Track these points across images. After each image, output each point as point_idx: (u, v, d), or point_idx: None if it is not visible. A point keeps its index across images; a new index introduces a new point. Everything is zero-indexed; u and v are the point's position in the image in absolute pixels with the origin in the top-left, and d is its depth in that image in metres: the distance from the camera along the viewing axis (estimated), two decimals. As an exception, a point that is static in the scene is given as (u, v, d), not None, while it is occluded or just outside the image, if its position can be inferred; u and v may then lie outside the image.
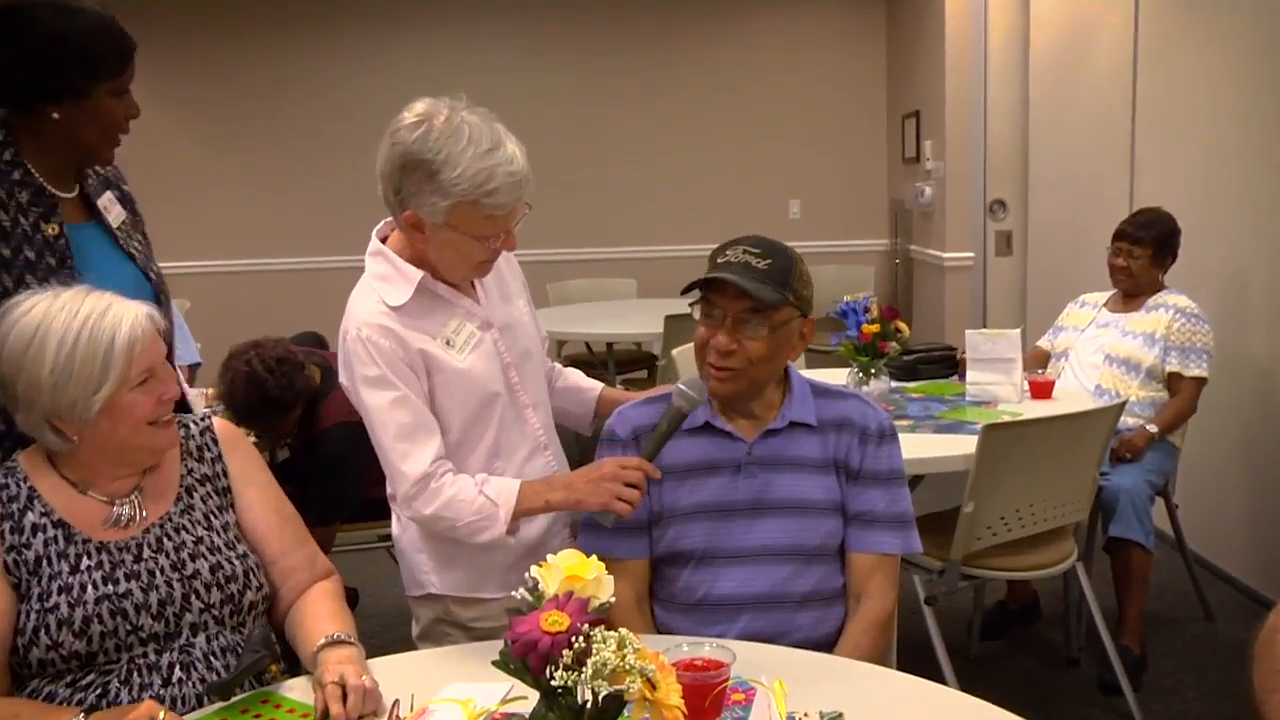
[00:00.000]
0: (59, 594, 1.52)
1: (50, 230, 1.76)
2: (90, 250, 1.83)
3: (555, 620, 1.11)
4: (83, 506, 1.59)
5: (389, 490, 1.95)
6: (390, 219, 1.83)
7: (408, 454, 1.75)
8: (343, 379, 1.83)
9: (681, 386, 1.75)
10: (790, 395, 1.86)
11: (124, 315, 1.54)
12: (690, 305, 1.81)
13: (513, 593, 1.24)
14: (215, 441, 1.74)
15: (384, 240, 1.86)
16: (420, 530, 1.91)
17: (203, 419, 1.77)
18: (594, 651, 1.09)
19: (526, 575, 1.22)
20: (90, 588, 1.53)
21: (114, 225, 1.88)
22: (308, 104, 6.69)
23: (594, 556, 1.22)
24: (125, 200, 1.96)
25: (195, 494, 1.68)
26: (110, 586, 1.54)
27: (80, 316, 1.52)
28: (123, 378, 1.53)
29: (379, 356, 1.75)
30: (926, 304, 6.27)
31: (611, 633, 1.11)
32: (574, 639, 1.11)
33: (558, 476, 1.85)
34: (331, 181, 6.53)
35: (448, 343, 1.81)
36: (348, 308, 1.82)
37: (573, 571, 1.18)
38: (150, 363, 1.57)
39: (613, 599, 1.21)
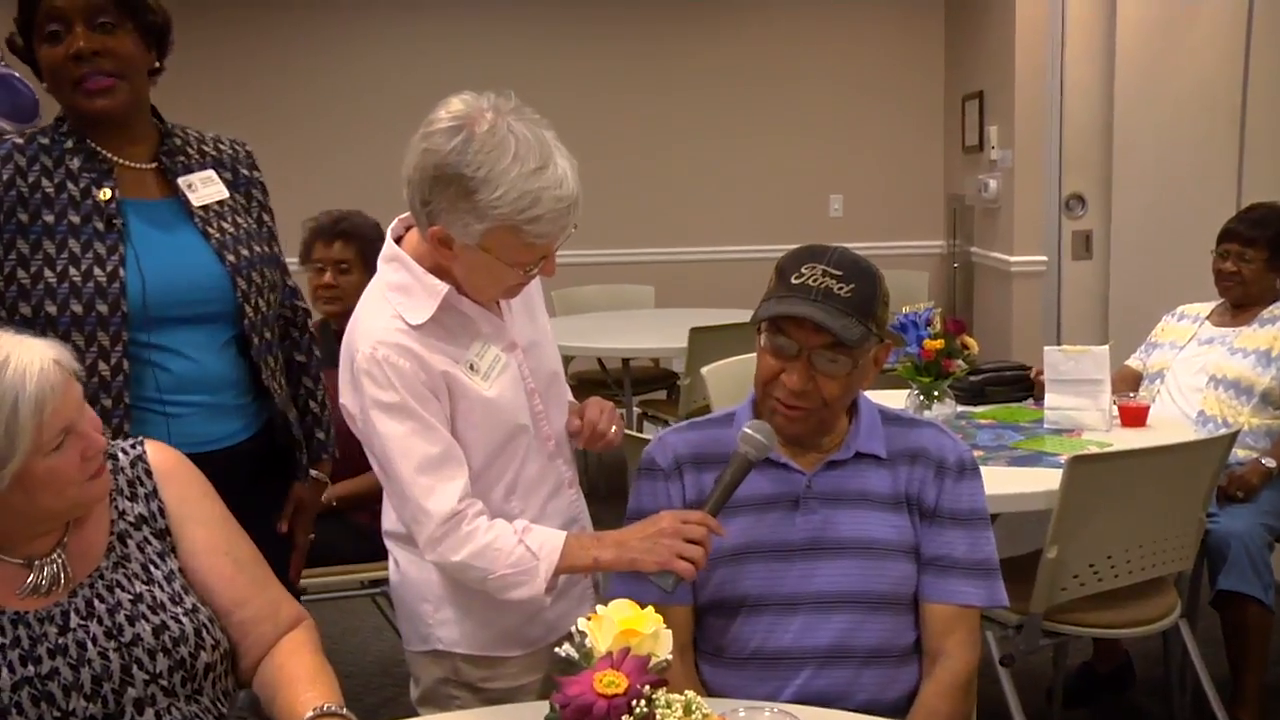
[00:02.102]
0: None
1: (102, 195, 1.96)
2: (152, 223, 2.01)
3: (611, 681, 1.12)
4: None
5: (386, 525, 1.95)
6: (408, 214, 1.82)
7: (432, 489, 1.74)
8: (346, 402, 1.81)
9: (748, 431, 1.76)
10: (857, 423, 1.88)
11: (27, 368, 1.44)
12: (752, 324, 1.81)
13: (557, 649, 1.25)
14: (149, 473, 1.68)
15: (398, 240, 1.85)
16: (428, 575, 1.90)
17: (133, 445, 1.70)
18: (658, 717, 1.10)
19: (572, 629, 1.22)
20: (6, 671, 1.47)
21: (196, 204, 2.05)
22: (312, 89, 6.70)
23: (649, 607, 1.23)
24: (239, 184, 2.15)
25: (130, 541, 1.62)
26: (31, 667, 1.49)
27: None
28: (35, 446, 1.44)
29: (398, 380, 1.73)
30: (990, 315, 6.27)
31: (677, 695, 1.12)
32: (634, 703, 1.12)
33: (609, 532, 1.84)
34: (336, 174, 6.42)
35: (471, 367, 1.81)
36: (355, 320, 1.81)
37: (627, 625, 1.19)
38: (66, 420, 1.48)
39: (670, 656, 1.22)
